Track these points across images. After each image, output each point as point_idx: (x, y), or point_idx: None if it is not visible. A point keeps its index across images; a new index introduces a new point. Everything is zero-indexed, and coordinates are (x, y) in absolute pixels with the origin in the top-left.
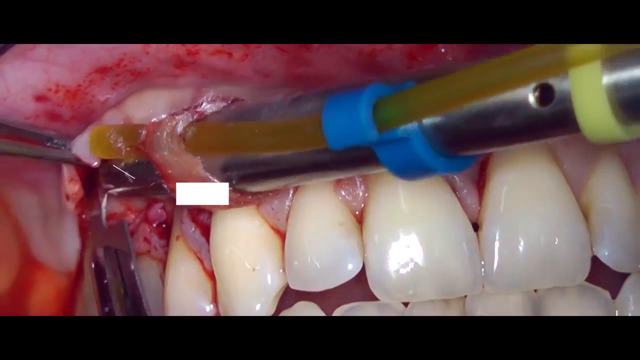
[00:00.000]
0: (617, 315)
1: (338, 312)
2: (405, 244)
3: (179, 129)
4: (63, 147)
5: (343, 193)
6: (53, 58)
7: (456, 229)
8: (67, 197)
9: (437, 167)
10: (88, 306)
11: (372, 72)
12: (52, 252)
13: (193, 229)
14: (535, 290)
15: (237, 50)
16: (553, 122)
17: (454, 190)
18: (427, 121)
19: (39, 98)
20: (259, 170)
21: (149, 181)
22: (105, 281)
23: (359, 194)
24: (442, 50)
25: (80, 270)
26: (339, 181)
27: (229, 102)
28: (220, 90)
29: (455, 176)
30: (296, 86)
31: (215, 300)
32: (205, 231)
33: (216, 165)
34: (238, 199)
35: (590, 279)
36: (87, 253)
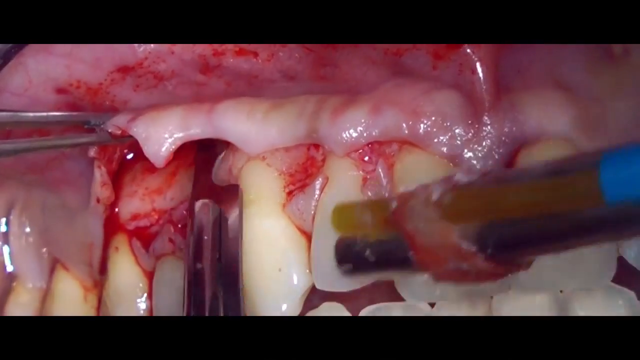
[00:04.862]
0: None
1: (364, 313)
2: None
3: (435, 196)
4: (98, 129)
5: (369, 193)
6: (76, 54)
7: None
8: (98, 201)
9: None
10: (114, 304)
11: (397, 73)
12: (76, 252)
13: None
14: (561, 291)
15: (263, 50)
16: None
17: None
18: None
19: (60, 90)
20: (518, 234)
21: (393, 258)
22: (206, 237)
23: (385, 193)
24: (468, 50)
25: (103, 269)
26: (365, 180)
27: (484, 173)
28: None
29: None
30: (320, 89)
31: None
32: None
33: (472, 232)
34: (491, 270)
35: (616, 279)
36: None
